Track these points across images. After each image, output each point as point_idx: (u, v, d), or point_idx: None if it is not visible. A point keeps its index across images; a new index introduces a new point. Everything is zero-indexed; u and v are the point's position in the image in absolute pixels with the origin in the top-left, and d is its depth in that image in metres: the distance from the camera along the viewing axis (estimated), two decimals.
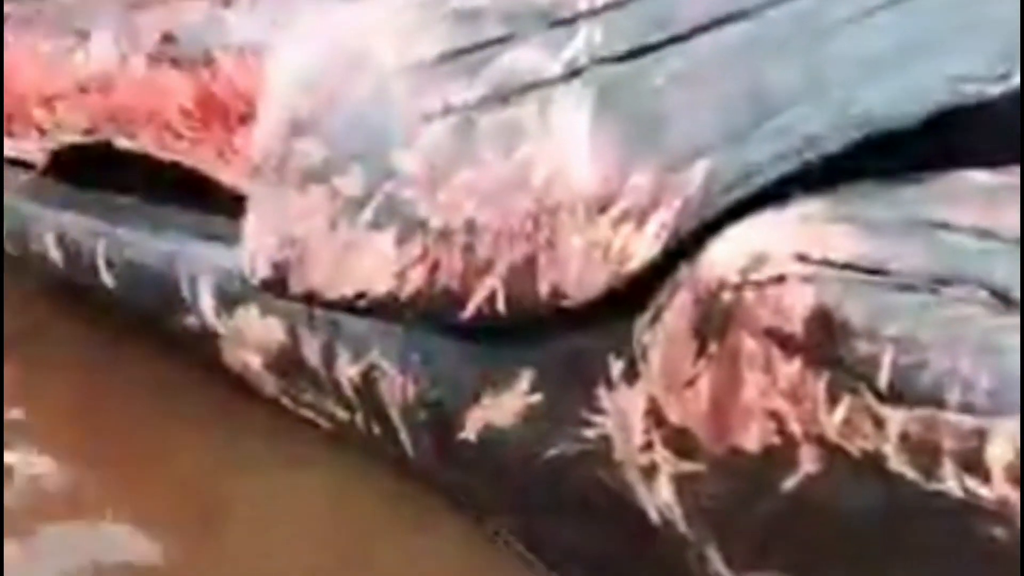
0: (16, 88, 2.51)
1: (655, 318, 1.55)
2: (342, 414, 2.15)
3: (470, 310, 1.71)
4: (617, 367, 1.62)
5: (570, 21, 1.65)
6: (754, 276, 1.39)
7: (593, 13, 1.64)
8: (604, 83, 1.59)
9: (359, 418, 2.11)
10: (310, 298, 1.90)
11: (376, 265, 1.78)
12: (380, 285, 1.78)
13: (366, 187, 1.78)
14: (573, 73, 1.62)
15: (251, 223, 1.96)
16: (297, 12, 1.99)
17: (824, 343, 1.31)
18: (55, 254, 2.56)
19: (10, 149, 2.65)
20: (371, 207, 1.77)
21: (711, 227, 1.48)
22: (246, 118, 2.05)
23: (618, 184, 1.55)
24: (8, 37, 2.55)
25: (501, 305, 1.67)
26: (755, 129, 1.48)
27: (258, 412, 2.24)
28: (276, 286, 1.93)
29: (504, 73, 1.67)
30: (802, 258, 1.35)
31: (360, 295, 1.82)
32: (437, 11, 1.76)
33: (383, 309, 1.82)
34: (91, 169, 2.54)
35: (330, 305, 1.88)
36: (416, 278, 1.74)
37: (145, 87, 2.14)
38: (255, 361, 2.25)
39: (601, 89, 1.59)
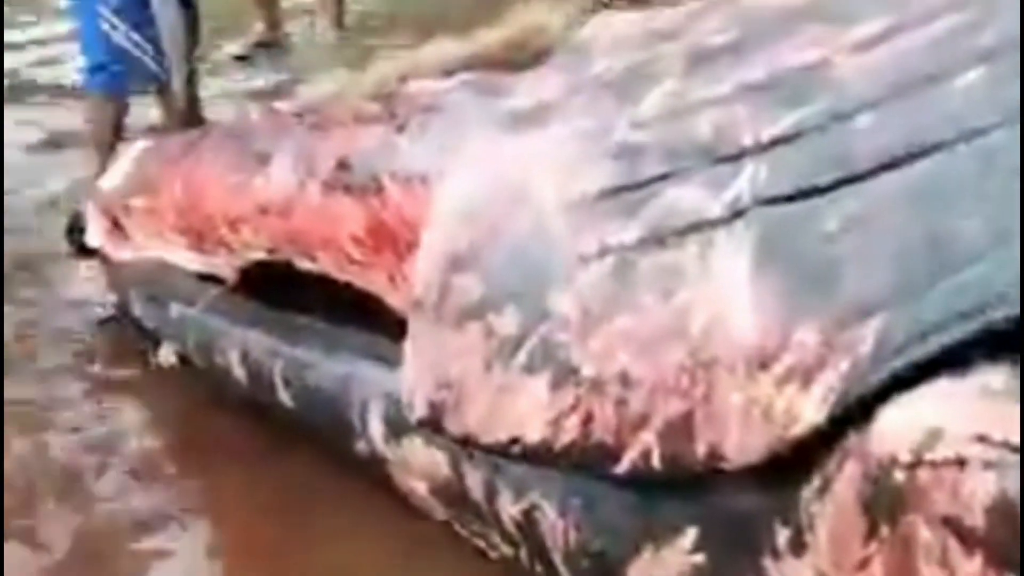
0: (204, 208, 2.54)
1: (823, 488, 1.40)
2: (507, 549, 2.05)
3: (625, 465, 1.60)
4: (783, 535, 1.47)
5: (734, 158, 1.53)
6: (929, 455, 1.23)
7: (759, 149, 1.52)
8: (768, 226, 1.46)
9: (523, 555, 2.00)
10: (466, 440, 1.81)
11: (530, 411, 1.69)
12: (534, 433, 1.69)
13: (521, 328, 1.69)
14: (735, 214, 1.50)
15: (410, 359, 1.89)
16: (465, 139, 1.93)
17: (1008, 541, 1.13)
18: (239, 371, 2.57)
19: (202, 265, 2.69)
20: (525, 349, 1.69)
21: (882, 392, 1.32)
22: (413, 246, 1.99)
23: (781, 339, 1.41)
24: (197, 159, 2.59)
25: (656, 462, 1.55)
26: (934, 284, 1.32)
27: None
28: (433, 425, 1.86)
29: (664, 213, 1.56)
30: (982, 439, 1.19)
31: (514, 440, 1.73)
32: (600, 145, 1.67)
33: (537, 456, 1.72)
34: (274, 288, 2.55)
35: (486, 449, 1.79)
36: (570, 428, 1.64)
37: (320, 214, 2.12)
38: (421, 487, 2.18)
39: (765, 232, 1.46)
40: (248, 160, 2.41)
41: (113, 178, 2.93)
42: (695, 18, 1.75)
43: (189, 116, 3.56)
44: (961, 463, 1.19)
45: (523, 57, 2.06)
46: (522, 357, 1.69)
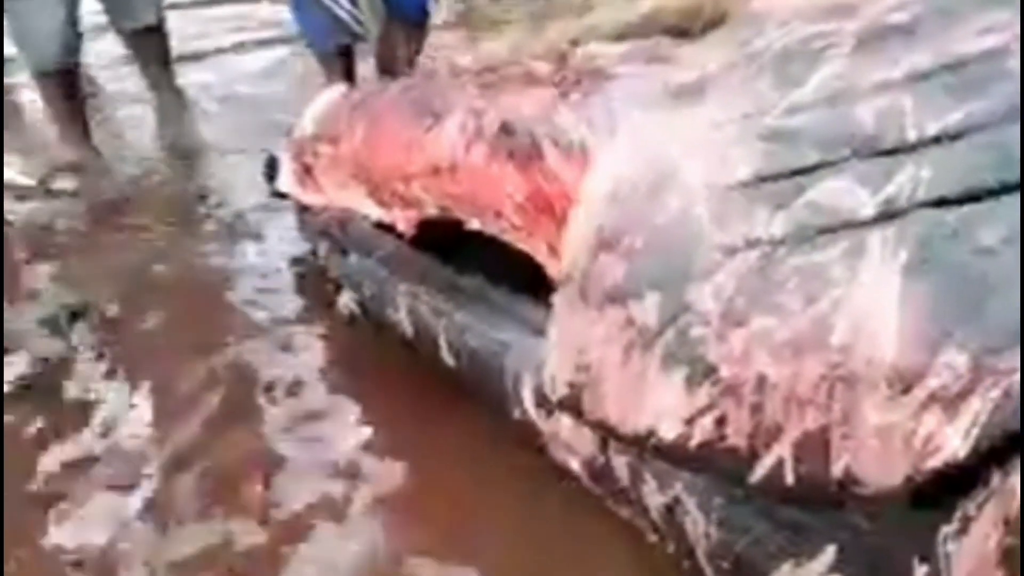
0: (381, 160, 2.53)
1: (962, 529, 1.26)
2: (652, 536, 1.97)
3: (758, 475, 1.49)
4: (921, 572, 1.35)
5: (895, 151, 1.38)
6: None
7: (923, 144, 1.36)
8: (926, 232, 1.32)
9: (669, 546, 1.93)
10: (603, 427, 1.74)
11: (666, 406, 1.60)
12: (669, 430, 1.60)
13: (660, 318, 1.60)
14: (891, 215, 1.35)
15: (553, 337, 1.82)
16: (625, 111, 1.83)
17: None
18: (407, 326, 2.56)
19: (381, 215, 2.68)
20: (663, 341, 1.59)
21: None
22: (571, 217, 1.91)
23: (928, 359, 1.27)
24: (377, 110, 2.57)
25: (790, 477, 1.44)
26: None
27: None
28: (572, 408, 1.79)
29: (814, 207, 1.43)
30: None
31: (650, 434, 1.64)
32: (752, 128, 1.54)
33: (673, 453, 1.63)
34: (447, 246, 2.52)
35: (623, 439, 1.71)
36: (704, 429, 1.54)
37: (484, 177, 2.06)
38: (574, 462, 2.12)
39: (921, 239, 1.31)
40: (423, 116, 2.37)
41: (304, 124, 2.95)
42: None
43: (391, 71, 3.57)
44: None
45: (698, 24, 1.93)
46: (659, 349, 1.59)
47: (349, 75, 3.77)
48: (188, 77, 5.12)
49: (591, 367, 1.72)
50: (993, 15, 1.40)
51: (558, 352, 1.82)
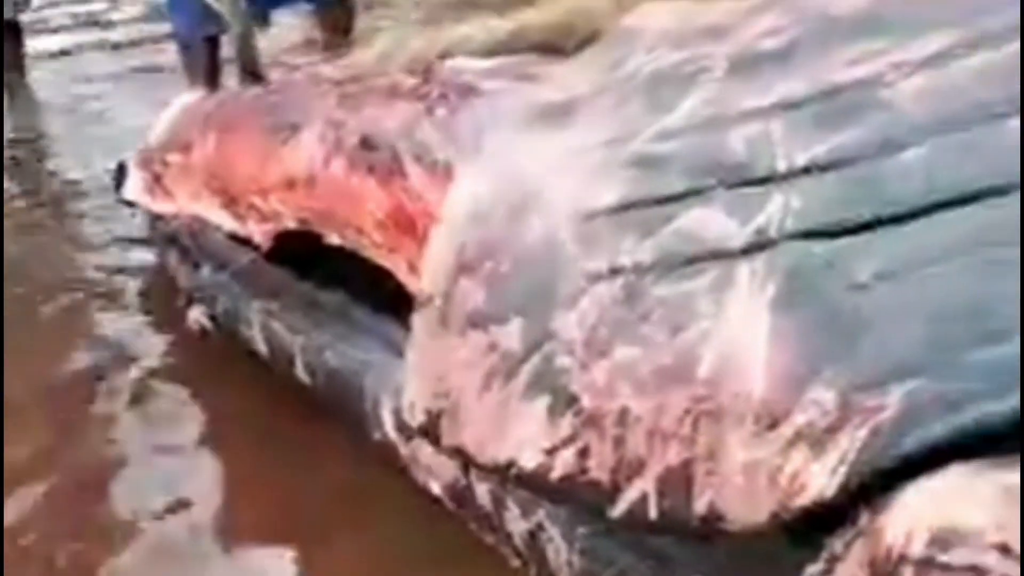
0: (235, 171, 2.43)
1: (828, 570, 1.23)
2: (515, 562, 1.92)
3: (621, 508, 1.45)
4: None
5: (764, 181, 1.36)
6: (943, 557, 1.06)
7: (793, 174, 1.34)
8: (795, 264, 1.29)
9: (532, 572, 1.87)
10: (463, 455, 1.68)
11: (527, 436, 1.55)
12: (530, 460, 1.55)
13: (524, 345, 1.55)
14: (760, 246, 1.32)
15: (412, 362, 1.76)
16: (490, 130, 1.77)
17: None
18: (260, 342, 2.47)
19: (236, 227, 2.58)
20: (526, 369, 1.54)
21: (901, 468, 1.15)
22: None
23: (795, 395, 1.24)
24: (231, 118, 2.48)
25: (653, 512, 1.40)
26: (971, 353, 1.14)
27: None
28: (431, 436, 1.73)
29: (681, 236, 1.40)
30: (1004, 550, 1.01)
31: (510, 464, 1.59)
32: (621, 153, 1.50)
33: (533, 484, 1.58)
34: (305, 260, 2.43)
35: (483, 468, 1.66)
36: (566, 461, 1.49)
37: (344, 192, 1.98)
38: (436, 486, 2.05)
39: (791, 272, 1.29)
40: (279, 126, 2.29)
41: (155, 132, 2.84)
42: (748, 16, 1.57)
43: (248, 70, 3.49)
44: (976, 572, 1.02)
45: (567, 43, 1.89)
46: (523, 377, 1.54)
47: (212, 69, 3.68)
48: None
49: (450, 393, 1.67)
50: (867, 43, 1.39)
51: (417, 377, 1.76)
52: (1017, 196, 1.20)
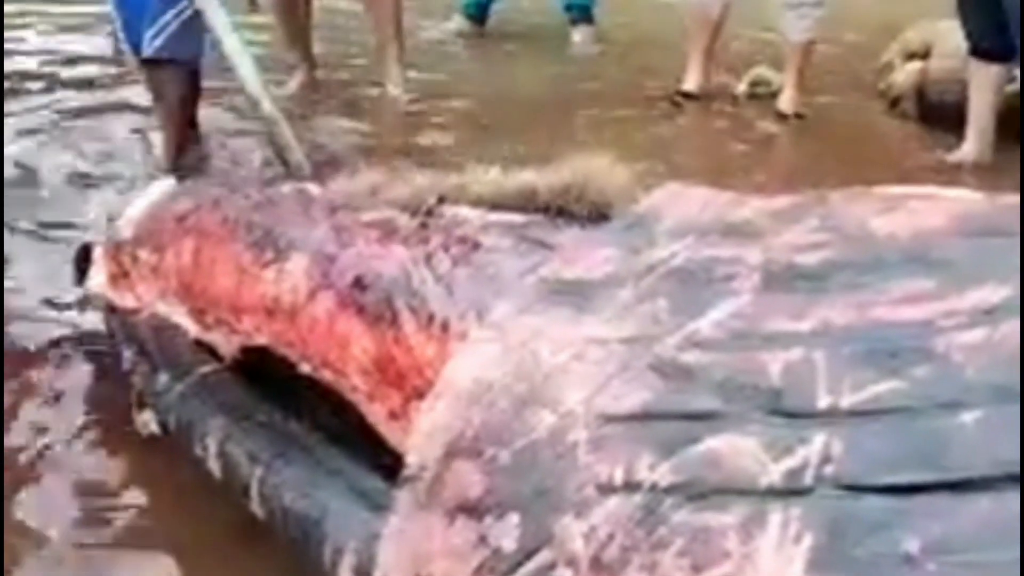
0: (210, 284, 2.31)
1: None
2: None
3: None
4: None
5: (804, 416, 1.27)
6: None
7: (836, 415, 1.25)
8: (835, 520, 1.20)
9: None
10: None
11: None
12: None
13: (520, 546, 1.44)
14: (796, 492, 1.23)
15: (391, 534, 1.64)
16: (496, 296, 1.68)
17: None
18: (214, 464, 2.33)
19: (204, 336, 2.46)
20: (522, 573, 1.43)
21: None
22: (421, 391, 1.75)
23: None
24: (212, 225, 2.36)
25: None
26: None
27: None
28: None
29: (707, 462, 1.30)
30: None
31: None
32: (644, 355, 1.41)
33: None
34: (272, 379, 2.31)
35: None
36: None
37: (328, 331, 1.87)
38: None
39: (831, 528, 1.19)
40: (262, 247, 2.18)
41: (126, 220, 2.70)
42: (780, 220, 1.49)
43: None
44: None
45: (578, 208, 1.81)
46: None
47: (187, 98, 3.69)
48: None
49: None
50: (914, 281, 1.31)
51: (395, 552, 1.64)
52: None
